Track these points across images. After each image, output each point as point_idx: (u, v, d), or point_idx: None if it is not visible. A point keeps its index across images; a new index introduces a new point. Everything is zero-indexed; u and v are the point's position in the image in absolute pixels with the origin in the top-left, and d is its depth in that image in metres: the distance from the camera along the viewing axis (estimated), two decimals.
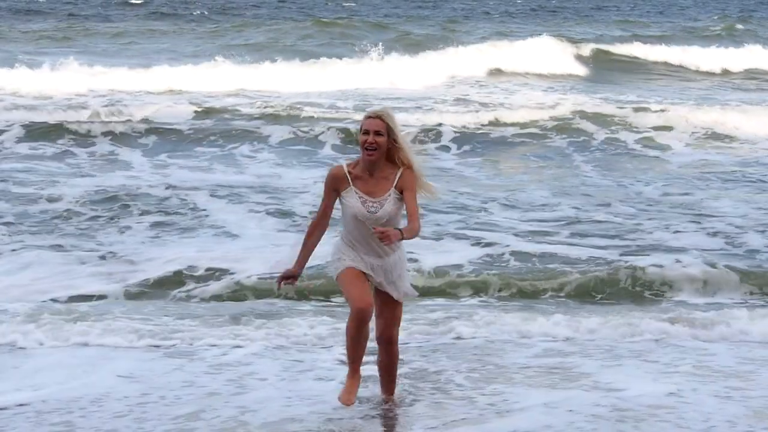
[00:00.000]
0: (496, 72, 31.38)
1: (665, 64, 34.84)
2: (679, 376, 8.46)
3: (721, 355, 9.05)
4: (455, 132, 20.06)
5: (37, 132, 19.22)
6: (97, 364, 8.62)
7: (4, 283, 10.87)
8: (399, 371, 7.75)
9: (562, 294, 10.97)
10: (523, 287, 11.02)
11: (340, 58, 30.85)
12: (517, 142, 19.94)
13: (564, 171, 17.60)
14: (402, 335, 8.82)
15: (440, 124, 20.44)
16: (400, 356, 7.69)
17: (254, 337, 9.31)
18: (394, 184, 7.17)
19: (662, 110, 22.06)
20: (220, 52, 30.99)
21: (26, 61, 27.46)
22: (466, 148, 19.32)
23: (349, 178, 7.18)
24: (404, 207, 7.19)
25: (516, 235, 12.89)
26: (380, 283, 7.27)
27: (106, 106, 22.53)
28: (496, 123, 20.88)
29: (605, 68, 33.39)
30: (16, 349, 9.03)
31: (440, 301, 10.70)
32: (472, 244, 12.42)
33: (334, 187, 7.21)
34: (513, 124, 20.78)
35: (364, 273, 7.20)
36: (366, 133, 7.14)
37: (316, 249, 7.36)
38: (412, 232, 7.09)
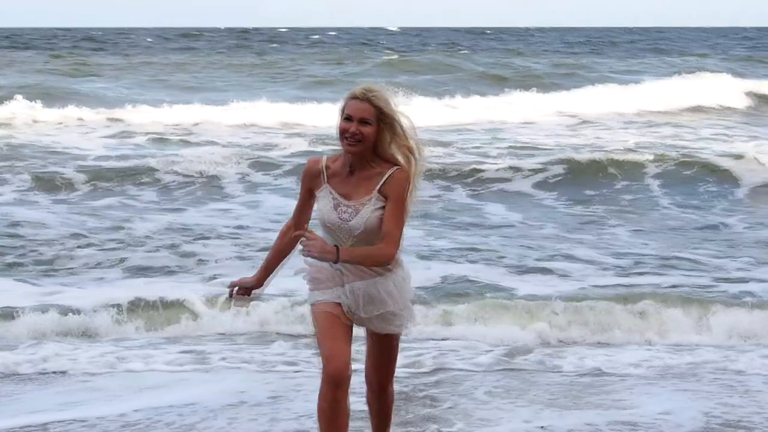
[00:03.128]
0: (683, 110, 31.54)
1: None
2: (692, 395, 8.34)
3: (755, 379, 8.90)
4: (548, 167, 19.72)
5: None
6: (169, 385, 8.64)
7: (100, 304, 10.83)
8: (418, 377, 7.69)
9: (639, 326, 10.69)
10: (599, 319, 10.76)
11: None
12: (612, 178, 19.44)
13: (647, 206, 17.46)
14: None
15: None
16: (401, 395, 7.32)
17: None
18: (378, 187, 5.46)
19: None
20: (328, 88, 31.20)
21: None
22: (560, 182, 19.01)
23: (325, 174, 5.56)
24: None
25: (595, 268, 12.73)
26: (356, 314, 5.59)
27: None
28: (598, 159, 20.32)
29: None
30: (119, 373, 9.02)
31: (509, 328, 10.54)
32: (550, 276, 12.29)
33: (309, 185, 5.63)
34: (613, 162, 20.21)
35: (340, 305, 5.58)
36: (348, 119, 5.44)
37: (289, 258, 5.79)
38: (367, 256, 5.40)
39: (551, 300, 10.95)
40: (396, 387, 5.92)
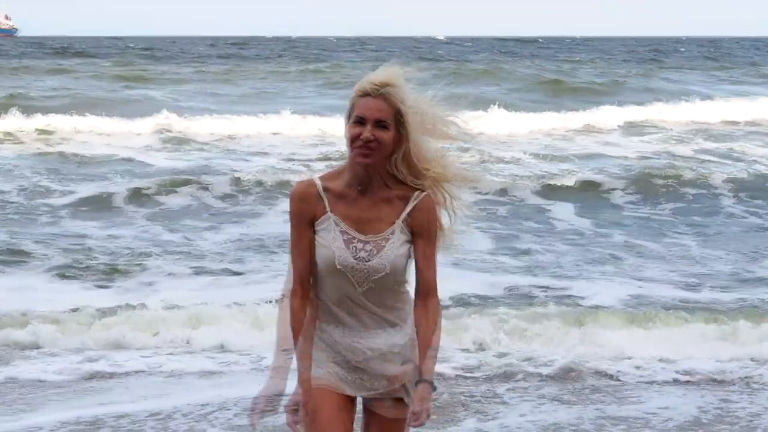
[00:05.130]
0: None
1: None
2: (701, 393, 8.30)
3: None
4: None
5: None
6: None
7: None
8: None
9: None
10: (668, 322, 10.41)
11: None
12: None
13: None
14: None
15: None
16: None
17: None
18: (403, 217, 4.16)
19: None
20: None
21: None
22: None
23: (325, 199, 4.18)
24: (411, 257, 4.21)
25: (662, 282, 12.34)
26: (362, 393, 4.30)
27: None
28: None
29: None
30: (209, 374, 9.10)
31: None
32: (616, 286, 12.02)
33: (308, 213, 4.18)
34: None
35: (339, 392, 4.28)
36: (360, 122, 4.12)
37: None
38: (436, 347, 4.15)
39: (605, 308, 10.71)
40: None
